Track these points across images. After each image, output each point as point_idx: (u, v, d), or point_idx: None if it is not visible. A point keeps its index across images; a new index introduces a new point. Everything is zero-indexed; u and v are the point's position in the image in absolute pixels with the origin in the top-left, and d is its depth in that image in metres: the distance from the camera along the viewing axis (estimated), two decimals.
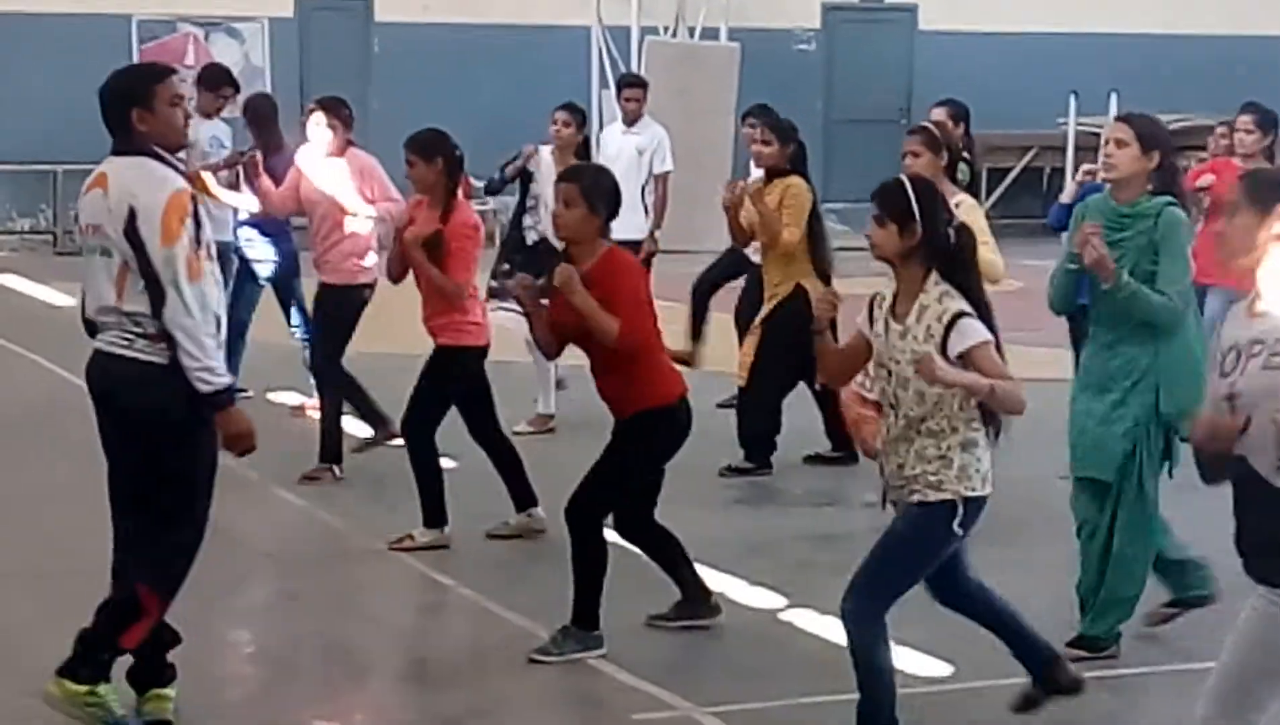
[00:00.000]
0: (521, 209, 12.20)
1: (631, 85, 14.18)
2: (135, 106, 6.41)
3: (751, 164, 11.49)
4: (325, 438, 10.65)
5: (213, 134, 12.70)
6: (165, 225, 6.26)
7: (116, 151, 6.49)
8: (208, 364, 6.31)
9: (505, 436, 9.58)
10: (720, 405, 11.64)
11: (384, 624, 8.39)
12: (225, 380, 6.41)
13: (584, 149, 12.17)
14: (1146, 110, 7.90)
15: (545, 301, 7.70)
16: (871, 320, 6.28)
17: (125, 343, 6.38)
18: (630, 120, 13.86)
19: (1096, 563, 7.60)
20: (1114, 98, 23.59)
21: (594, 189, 7.65)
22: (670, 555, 7.97)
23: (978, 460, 6.15)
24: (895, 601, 6.23)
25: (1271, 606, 5.06)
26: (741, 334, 11.48)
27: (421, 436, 9.16)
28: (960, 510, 6.12)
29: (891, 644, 6.30)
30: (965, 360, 6.05)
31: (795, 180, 10.77)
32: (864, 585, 6.18)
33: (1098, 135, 24.36)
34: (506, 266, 11.82)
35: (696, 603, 7.99)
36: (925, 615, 7.72)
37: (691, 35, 24.99)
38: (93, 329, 6.54)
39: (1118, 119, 7.66)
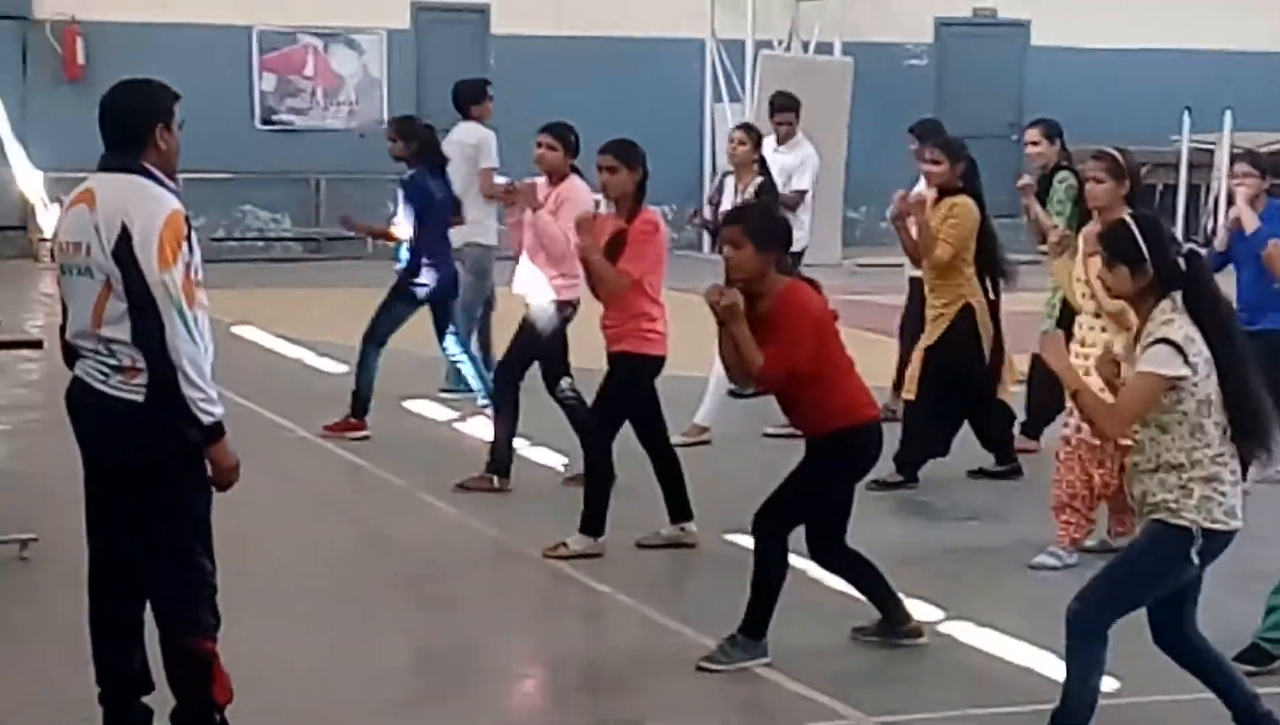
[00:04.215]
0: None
1: (782, 109, 14.13)
2: (160, 122, 6.07)
3: (921, 183, 11.25)
4: (495, 449, 10.65)
5: None
6: (162, 248, 5.89)
7: (110, 167, 6.07)
8: (210, 394, 5.96)
9: (672, 448, 9.54)
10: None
11: (543, 629, 8.47)
12: (222, 410, 6.04)
13: (762, 166, 12.22)
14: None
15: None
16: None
17: (102, 377, 6.03)
18: (781, 140, 13.85)
19: None
20: (1228, 115, 23.53)
21: (759, 228, 7.55)
22: (868, 579, 7.90)
23: (1222, 495, 6.22)
24: (1123, 615, 6.30)
25: None
26: (905, 347, 11.54)
27: (601, 446, 9.21)
28: (1198, 539, 6.20)
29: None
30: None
31: (962, 200, 10.64)
32: (1096, 592, 6.32)
33: (1211, 152, 24.32)
34: None
35: (896, 624, 7.88)
36: None
37: (805, 49, 25.07)
38: (72, 354, 6.15)
39: None
